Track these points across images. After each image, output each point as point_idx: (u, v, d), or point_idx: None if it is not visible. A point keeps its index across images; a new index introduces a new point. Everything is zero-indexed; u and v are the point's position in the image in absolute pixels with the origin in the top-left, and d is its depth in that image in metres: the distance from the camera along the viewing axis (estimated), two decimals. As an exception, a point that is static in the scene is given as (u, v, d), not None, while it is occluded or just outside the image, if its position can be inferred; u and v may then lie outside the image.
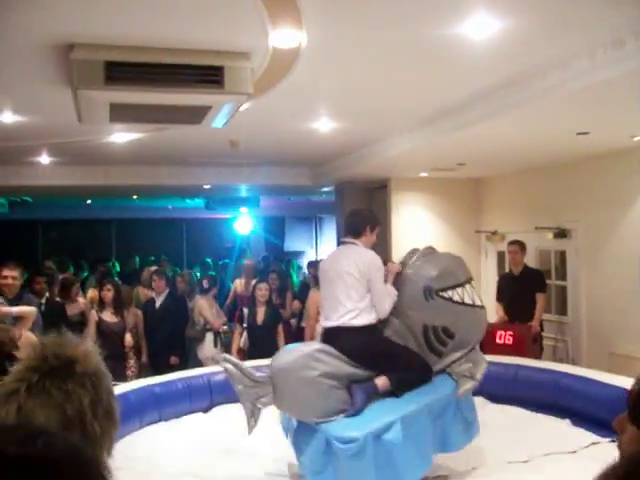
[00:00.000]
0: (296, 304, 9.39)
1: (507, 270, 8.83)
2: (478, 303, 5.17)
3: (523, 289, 7.90)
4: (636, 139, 6.74)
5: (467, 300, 5.08)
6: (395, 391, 4.71)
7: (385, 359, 4.79)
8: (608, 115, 5.73)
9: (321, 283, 5.08)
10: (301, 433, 4.66)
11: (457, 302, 5.03)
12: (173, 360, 7.68)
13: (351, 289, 4.73)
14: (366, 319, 4.76)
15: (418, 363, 4.91)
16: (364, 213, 5.29)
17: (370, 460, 4.34)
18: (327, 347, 4.68)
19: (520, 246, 8.17)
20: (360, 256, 4.83)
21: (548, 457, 5.21)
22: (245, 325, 7.81)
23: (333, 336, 4.76)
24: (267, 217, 18.02)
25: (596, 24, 3.94)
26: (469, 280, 5.17)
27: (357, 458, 4.31)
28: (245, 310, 7.94)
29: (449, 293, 5.01)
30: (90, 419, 1.27)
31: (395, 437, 4.43)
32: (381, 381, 4.68)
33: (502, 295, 8.28)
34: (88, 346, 1.39)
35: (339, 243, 5.23)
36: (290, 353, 4.73)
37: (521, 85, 5.05)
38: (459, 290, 5.06)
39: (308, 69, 4.59)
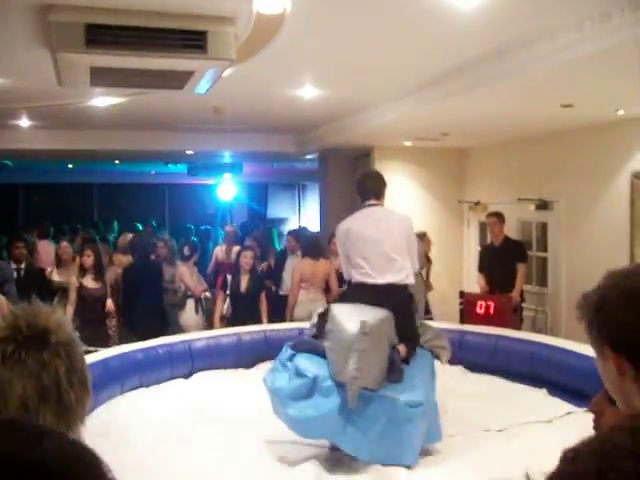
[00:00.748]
0: (264, 265, 9.28)
1: (489, 241, 8.89)
2: None
3: (504, 260, 7.98)
4: (620, 112, 6.75)
5: None
6: (407, 358, 4.85)
7: (409, 325, 4.98)
8: (593, 88, 5.72)
9: (356, 243, 4.98)
10: (351, 407, 4.49)
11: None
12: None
13: (400, 246, 4.90)
14: (413, 279, 5.00)
15: (418, 332, 5.12)
16: (380, 176, 5.38)
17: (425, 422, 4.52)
18: (388, 312, 4.70)
19: (498, 218, 8.23)
20: (399, 216, 5.12)
21: (524, 426, 5.29)
22: (228, 292, 7.80)
23: (385, 293, 4.80)
24: (250, 184, 17.95)
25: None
26: None
27: (423, 420, 4.48)
28: (229, 277, 7.93)
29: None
30: (66, 388, 1.28)
31: (432, 400, 4.63)
32: (402, 348, 4.82)
33: (483, 266, 8.37)
34: (60, 314, 1.38)
35: (357, 206, 5.37)
36: (366, 317, 4.56)
37: (507, 56, 5.02)
38: None
39: (292, 35, 4.53)
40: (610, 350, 1.21)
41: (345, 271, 5.17)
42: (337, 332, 4.57)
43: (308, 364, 4.72)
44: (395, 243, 4.90)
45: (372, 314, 4.60)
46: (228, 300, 7.80)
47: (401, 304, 4.85)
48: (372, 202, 5.13)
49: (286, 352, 4.98)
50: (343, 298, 5.27)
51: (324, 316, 4.90)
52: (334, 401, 4.52)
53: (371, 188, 5.18)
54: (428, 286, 8.62)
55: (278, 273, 8.89)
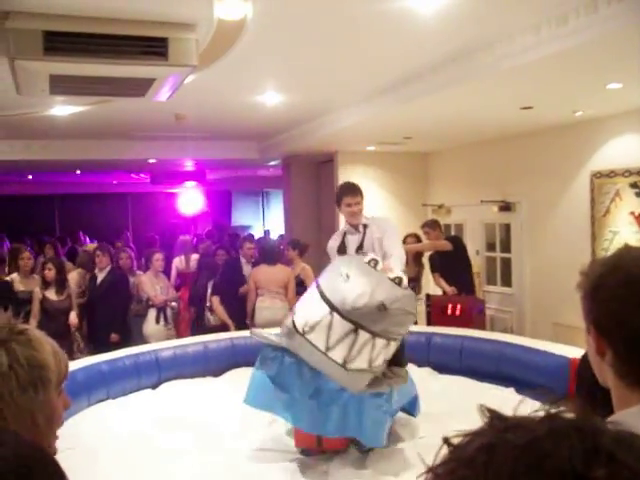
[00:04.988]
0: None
1: None
2: None
3: (448, 259, 8.08)
4: (578, 114, 6.87)
5: None
6: None
7: None
8: (551, 90, 5.81)
9: None
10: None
11: None
12: (113, 337, 7.44)
13: None
14: None
15: None
16: None
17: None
18: None
19: (429, 227, 8.35)
20: None
21: (493, 425, 5.31)
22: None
23: None
24: (214, 191, 17.86)
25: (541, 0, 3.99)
26: None
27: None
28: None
29: None
30: None
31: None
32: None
33: (435, 267, 8.44)
34: None
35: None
36: None
37: (467, 59, 5.08)
38: None
39: (254, 41, 4.52)
40: (594, 330, 1.24)
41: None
42: None
43: None
44: None
45: None
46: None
47: None
48: None
49: None
50: None
51: None
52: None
53: None
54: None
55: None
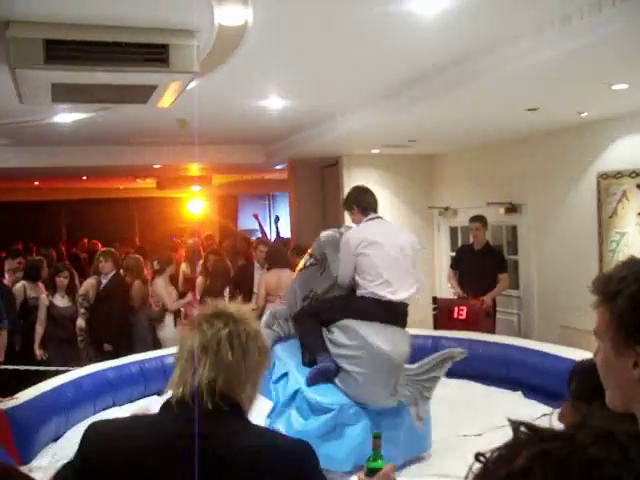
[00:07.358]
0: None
1: (470, 241, 8.73)
2: None
3: (481, 265, 7.97)
4: (583, 115, 6.82)
5: None
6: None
7: None
8: (556, 91, 5.77)
9: (376, 256, 4.95)
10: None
11: None
12: (106, 347, 7.31)
13: (411, 264, 5.06)
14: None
15: None
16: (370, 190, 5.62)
17: None
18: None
19: (482, 223, 8.20)
20: (409, 233, 5.44)
21: (501, 429, 5.27)
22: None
23: (403, 311, 5.05)
24: (220, 196, 17.87)
25: (543, 1, 3.95)
26: None
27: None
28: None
29: None
30: (224, 345, 1.78)
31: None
32: None
33: (458, 264, 8.36)
34: (243, 306, 1.98)
35: (367, 216, 5.37)
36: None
37: (470, 62, 5.05)
38: None
39: (255, 47, 4.51)
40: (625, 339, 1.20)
41: (347, 280, 5.07)
42: (373, 355, 4.70)
43: (324, 395, 4.78)
44: (411, 259, 5.07)
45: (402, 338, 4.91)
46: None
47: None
48: (374, 215, 5.32)
49: (284, 391, 4.95)
50: (339, 307, 5.12)
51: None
52: (365, 424, 4.67)
53: (374, 201, 5.38)
54: None
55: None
